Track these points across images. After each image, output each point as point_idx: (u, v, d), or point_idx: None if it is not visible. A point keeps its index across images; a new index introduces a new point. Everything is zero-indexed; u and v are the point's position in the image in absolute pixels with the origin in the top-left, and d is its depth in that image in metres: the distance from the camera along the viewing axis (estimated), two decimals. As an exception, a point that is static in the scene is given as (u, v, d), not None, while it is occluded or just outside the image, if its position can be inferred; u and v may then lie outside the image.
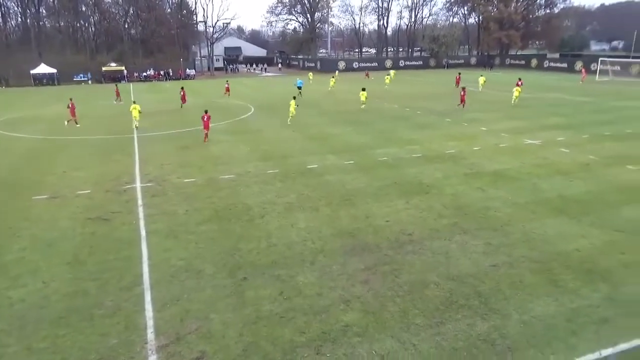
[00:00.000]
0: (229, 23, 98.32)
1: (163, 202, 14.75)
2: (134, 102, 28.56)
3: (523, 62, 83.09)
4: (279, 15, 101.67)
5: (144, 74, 72.22)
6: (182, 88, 38.06)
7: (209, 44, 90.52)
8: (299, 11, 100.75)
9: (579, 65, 65.20)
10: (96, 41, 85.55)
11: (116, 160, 20.21)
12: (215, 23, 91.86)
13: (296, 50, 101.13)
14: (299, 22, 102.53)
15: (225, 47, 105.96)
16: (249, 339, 7.86)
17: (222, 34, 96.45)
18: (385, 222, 12.75)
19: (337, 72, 66.52)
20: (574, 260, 10.40)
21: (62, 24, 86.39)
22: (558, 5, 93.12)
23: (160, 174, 17.84)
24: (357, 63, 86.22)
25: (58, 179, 17.49)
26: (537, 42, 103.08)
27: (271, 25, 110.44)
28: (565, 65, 71.65)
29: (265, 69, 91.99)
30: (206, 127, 23.60)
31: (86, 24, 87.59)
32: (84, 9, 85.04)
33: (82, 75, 67.67)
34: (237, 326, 8.21)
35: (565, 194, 14.77)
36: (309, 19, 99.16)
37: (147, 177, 17.47)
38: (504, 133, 24.45)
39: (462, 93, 33.81)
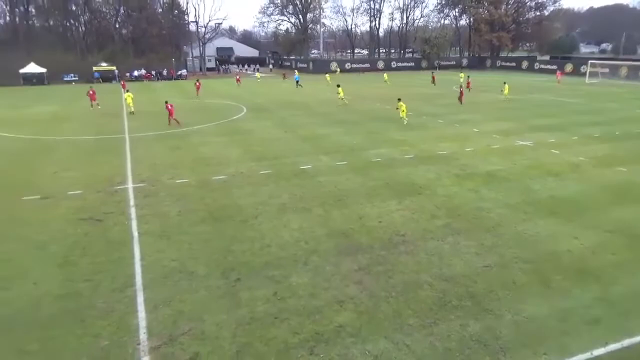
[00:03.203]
0: (221, 23, 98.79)
1: (155, 202, 14.66)
2: (128, 91, 35.38)
3: (514, 64, 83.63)
4: (271, 16, 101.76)
5: (134, 74, 71.72)
6: (198, 80, 47.42)
7: (201, 44, 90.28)
8: (290, 12, 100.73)
9: (569, 67, 65.80)
10: (86, 41, 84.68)
11: (107, 161, 20.05)
12: (207, 23, 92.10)
13: (288, 50, 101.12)
14: (291, 22, 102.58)
15: (217, 48, 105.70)
16: (242, 340, 7.83)
17: (214, 34, 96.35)
18: (378, 223, 12.77)
19: (330, 72, 66.80)
20: (566, 260, 10.49)
21: (51, 23, 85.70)
22: (548, 7, 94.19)
23: (153, 175, 17.73)
24: (349, 64, 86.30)
25: (49, 179, 17.31)
26: (527, 44, 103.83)
27: (263, 26, 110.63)
28: (555, 67, 72.05)
29: (258, 69, 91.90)
30: (171, 114, 28.44)
31: (76, 24, 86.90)
32: (73, 8, 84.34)
33: (72, 75, 67.21)
34: (230, 327, 8.18)
35: (557, 195, 14.90)
36: (301, 20, 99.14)
37: (139, 178, 17.36)
38: (496, 134, 24.61)
39: (461, 92, 37.40)
